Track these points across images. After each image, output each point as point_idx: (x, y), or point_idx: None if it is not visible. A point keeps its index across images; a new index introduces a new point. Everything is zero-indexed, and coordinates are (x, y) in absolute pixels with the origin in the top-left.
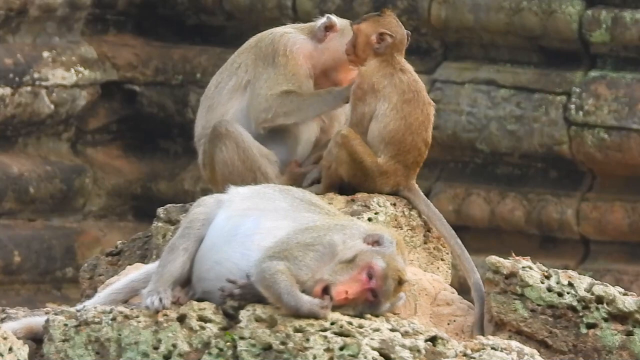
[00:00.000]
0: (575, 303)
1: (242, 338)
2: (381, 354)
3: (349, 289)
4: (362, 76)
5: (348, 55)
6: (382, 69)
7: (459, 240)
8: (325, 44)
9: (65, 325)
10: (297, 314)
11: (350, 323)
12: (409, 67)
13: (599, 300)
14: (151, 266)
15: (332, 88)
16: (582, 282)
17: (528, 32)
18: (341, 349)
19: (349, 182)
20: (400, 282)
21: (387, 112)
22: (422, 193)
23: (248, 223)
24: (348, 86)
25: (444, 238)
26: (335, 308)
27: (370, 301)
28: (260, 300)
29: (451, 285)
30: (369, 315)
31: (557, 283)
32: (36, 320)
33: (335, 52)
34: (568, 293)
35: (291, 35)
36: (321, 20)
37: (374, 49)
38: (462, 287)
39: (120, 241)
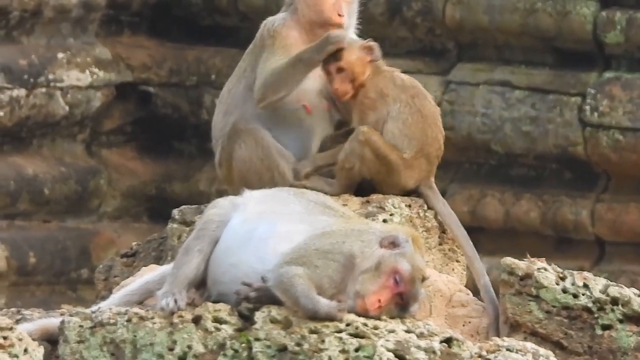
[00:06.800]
0: (590, 304)
1: (257, 339)
2: (396, 356)
3: (381, 297)
4: (366, 86)
5: (346, 95)
6: (380, 73)
7: (471, 243)
8: (297, 6)
9: (81, 326)
10: (315, 317)
11: (365, 324)
12: (392, 67)
13: (614, 301)
14: (166, 267)
15: (299, 53)
16: (597, 284)
17: (542, 33)
18: (356, 350)
19: (372, 180)
20: (423, 279)
21: (401, 109)
22: (439, 193)
23: (263, 226)
24: (316, 44)
25: (457, 238)
26: (367, 316)
27: (400, 304)
28: (276, 303)
29: (466, 286)
30: (384, 317)
31: (572, 284)
32: (51, 321)
33: (307, 6)
34: (583, 294)
35: (271, 18)
36: None
37: (373, 61)
38: (477, 289)
39: (135, 242)
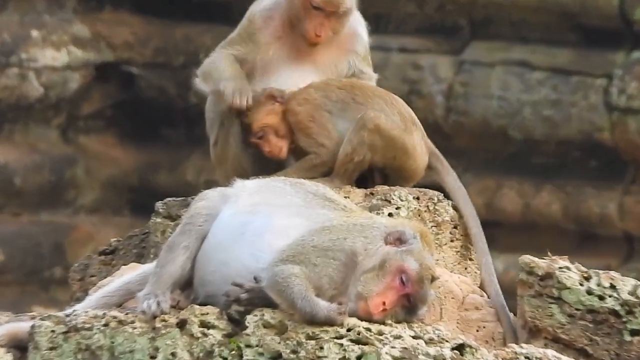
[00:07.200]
0: (618, 307)
1: (248, 346)
2: None
3: (386, 299)
4: (289, 108)
5: (282, 151)
6: (294, 94)
7: (478, 220)
8: None
9: (53, 331)
10: (313, 321)
11: (368, 329)
12: None
13: None
14: (148, 266)
15: (226, 74)
16: (626, 284)
17: (564, 9)
18: (358, 358)
19: (384, 169)
20: (432, 279)
21: (339, 97)
22: (448, 165)
23: (257, 220)
24: (230, 86)
25: (464, 215)
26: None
27: (407, 307)
28: (269, 305)
29: (480, 287)
30: (389, 321)
31: (598, 285)
32: (21, 326)
33: (293, 11)
34: (610, 296)
35: (258, 2)
36: None
37: (280, 104)
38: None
39: (114, 238)
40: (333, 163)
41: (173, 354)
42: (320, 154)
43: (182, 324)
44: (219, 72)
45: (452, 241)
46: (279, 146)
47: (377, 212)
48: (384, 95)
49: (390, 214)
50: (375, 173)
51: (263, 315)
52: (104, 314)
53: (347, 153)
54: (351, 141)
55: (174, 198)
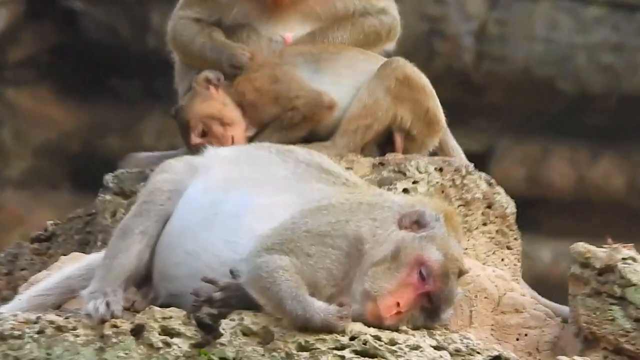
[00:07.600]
0: None
1: (223, 359)
2: None
3: (400, 298)
4: (245, 85)
5: (235, 139)
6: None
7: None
8: None
9: None
10: (306, 327)
11: (377, 338)
12: None
13: None
14: (95, 257)
15: (222, 46)
16: None
17: None
18: None
19: (410, 129)
20: (460, 273)
21: (298, 53)
22: None
23: (234, 198)
24: (236, 52)
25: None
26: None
27: (427, 309)
28: (250, 307)
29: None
30: (404, 327)
31: None
32: None
33: None
34: None
35: None
36: None
37: (217, 88)
38: (537, 285)
39: (51, 221)
40: (319, 118)
41: None
42: (298, 106)
43: (138, 331)
44: (199, 49)
45: (484, 224)
46: (227, 136)
47: (388, 188)
48: (357, 48)
49: (405, 190)
50: (396, 134)
51: (242, 319)
52: (38, 318)
53: (365, 105)
54: (371, 90)
55: (127, 169)
